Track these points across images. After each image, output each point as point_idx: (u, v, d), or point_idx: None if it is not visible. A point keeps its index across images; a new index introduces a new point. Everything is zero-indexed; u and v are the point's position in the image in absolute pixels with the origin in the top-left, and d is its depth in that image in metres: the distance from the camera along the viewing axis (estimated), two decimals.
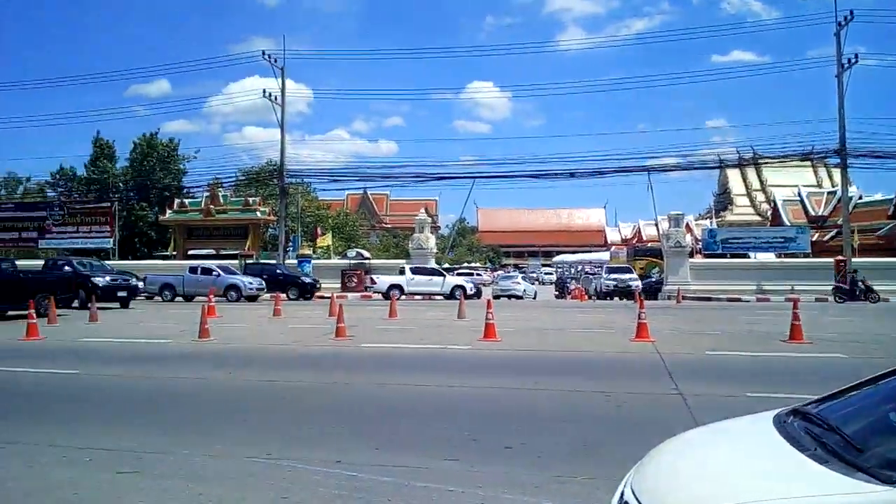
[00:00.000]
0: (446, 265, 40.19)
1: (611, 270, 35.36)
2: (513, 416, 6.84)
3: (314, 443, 5.85)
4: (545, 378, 8.95)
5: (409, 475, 4.82)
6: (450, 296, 29.97)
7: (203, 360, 10.98)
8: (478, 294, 32.21)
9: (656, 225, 49.21)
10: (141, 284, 29.25)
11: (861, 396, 3.09)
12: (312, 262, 36.61)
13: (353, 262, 38.47)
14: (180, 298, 28.68)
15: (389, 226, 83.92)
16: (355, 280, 35.45)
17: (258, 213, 42.73)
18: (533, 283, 44.38)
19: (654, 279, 36.10)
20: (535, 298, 34.72)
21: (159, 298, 28.94)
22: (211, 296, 21.71)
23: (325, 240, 47.75)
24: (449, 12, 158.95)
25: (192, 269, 29.64)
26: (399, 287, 30.63)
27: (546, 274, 71.63)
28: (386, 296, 28.90)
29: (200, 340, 13.30)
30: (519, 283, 36.47)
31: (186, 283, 28.81)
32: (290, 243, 43.84)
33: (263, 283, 29.29)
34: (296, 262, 35.89)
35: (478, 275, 48.80)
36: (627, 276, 33.77)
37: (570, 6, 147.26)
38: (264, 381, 9.06)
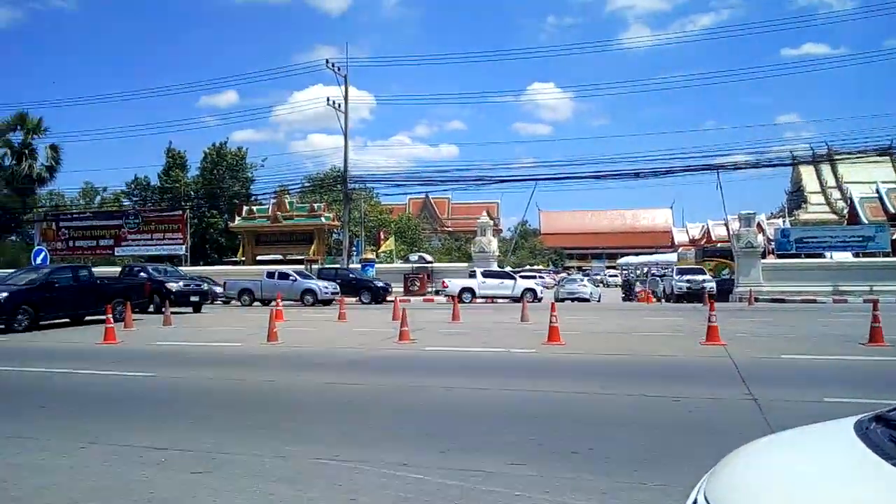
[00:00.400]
0: (508, 268, 40.01)
1: (682, 272, 33.80)
2: (579, 421, 6.76)
3: (381, 445, 5.91)
4: (611, 382, 8.81)
5: (475, 479, 4.81)
6: (520, 299, 29.78)
7: (271, 364, 11.25)
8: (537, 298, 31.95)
9: (726, 225, 47.84)
10: (220, 290, 30.27)
11: None
12: (375, 266, 37.10)
13: (415, 265, 38.78)
14: (258, 303, 29.46)
15: (451, 229, 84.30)
16: (418, 284, 35.74)
17: (323, 219, 43.53)
18: (597, 286, 43.79)
19: (725, 279, 35.06)
20: (599, 301, 34.28)
21: (238, 303, 29.81)
22: (279, 300, 22.27)
23: (388, 244, 48.31)
24: (509, 14, 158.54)
25: (270, 274, 30.28)
26: (471, 290, 30.74)
27: (611, 276, 70.51)
28: (458, 299, 29.00)
29: (269, 344, 13.63)
30: (585, 285, 36.12)
31: (264, 287, 29.52)
32: (354, 248, 44.51)
33: (338, 287, 29.73)
34: (359, 266, 36.43)
35: (540, 277, 48.37)
36: (701, 277, 32.34)
37: (633, 3, 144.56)
38: (329, 383, 9.21)
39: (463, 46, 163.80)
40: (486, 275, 31.85)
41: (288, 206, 44.23)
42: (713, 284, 31.22)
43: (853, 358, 10.66)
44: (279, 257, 42.85)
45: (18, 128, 47.08)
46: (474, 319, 19.61)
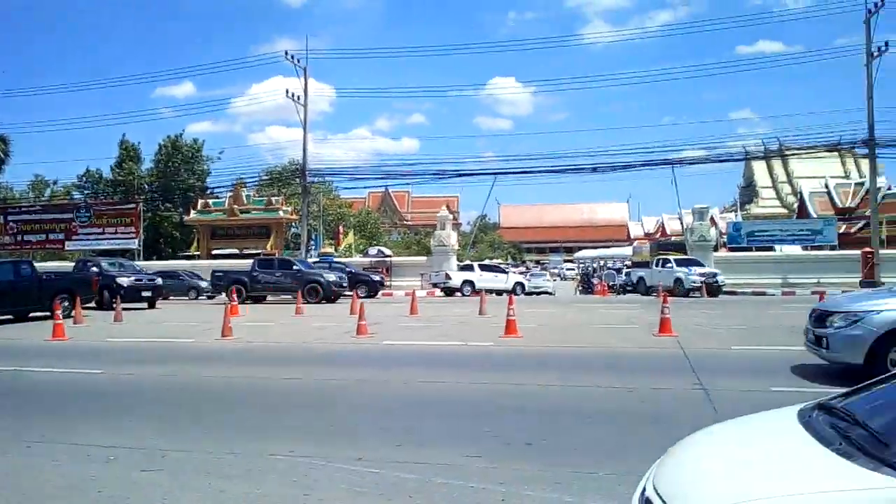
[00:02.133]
0: (467, 262, 40.25)
1: (680, 263, 29.27)
2: (535, 413, 6.83)
3: (336, 440, 5.88)
4: (567, 374, 8.92)
5: (430, 472, 4.82)
6: (511, 291, 30.36)
7: (224, 360, 11.10)
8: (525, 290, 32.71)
9: (680, 219, 48.80)
10: (205, 284, 29.44)
11: (888, 390, 3.04)
12: (335, 260, 36.86)
13: (374, 259, 38.63)
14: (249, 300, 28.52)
15: (411, 223, 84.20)
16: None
17: (280, 213, 43.04)
18: (554, 280, 44.38)
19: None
20: (553, 294, 34.88)
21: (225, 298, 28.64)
22: (234, 294, 21.91)
23: (348, 238, 48.03)
24: (470, 8, 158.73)
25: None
26: (471, 283, 31.54)
27: (568, 270, 71.32)
28: (461, 291, 31.02)
29: (223, 339, 13.43)
30: (548, 279, 36.99)
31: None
32: (312, 242, 44.11)
33: (346, 280, 28.10)
34: (317, 260, 36.15)
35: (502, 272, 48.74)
36: (701, 269, 28.65)
37: None
38: (285, 379, 9.12)
39: (424, 40, 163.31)
40: (483, 268, 34.19)
41: (245, 200, 43.63)
42: (719, 277, 28.62)
43: (800, 349, 10.94)
44: (235, 251, 42.25)
45: None
46: (432, 313, 19.62)
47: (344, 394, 8.13)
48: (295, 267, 26.80)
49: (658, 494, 2.61)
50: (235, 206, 42.73)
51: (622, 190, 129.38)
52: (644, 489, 2.80)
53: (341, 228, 51.92)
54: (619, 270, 41.84)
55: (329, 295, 25.66)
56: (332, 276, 26.76)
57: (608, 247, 77.11)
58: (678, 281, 27.64)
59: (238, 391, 8.46)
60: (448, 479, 4.66)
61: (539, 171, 37.04)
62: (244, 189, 43.88)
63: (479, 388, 8.24)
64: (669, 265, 28.86)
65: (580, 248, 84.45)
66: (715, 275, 28.20)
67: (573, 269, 68.30)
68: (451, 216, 39.94)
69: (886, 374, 3.21)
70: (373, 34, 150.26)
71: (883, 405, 2.88)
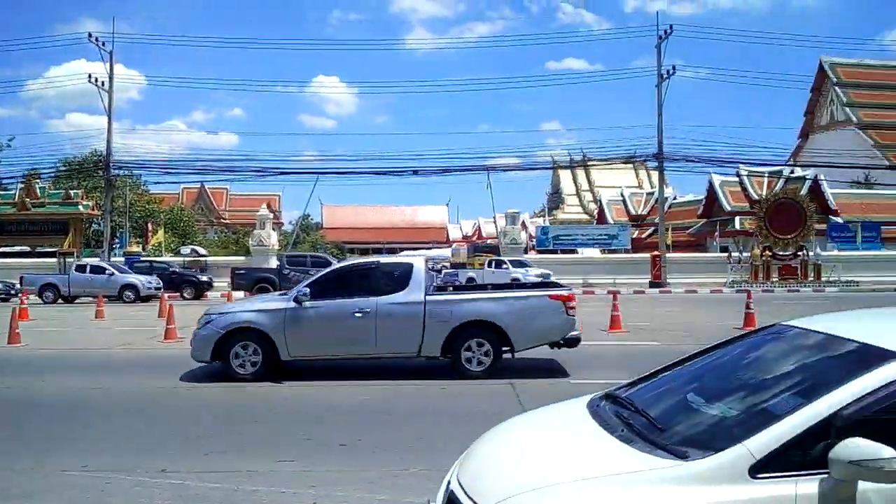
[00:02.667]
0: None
1: (515, 265, 31.32)
2: (350, 413, 6.87)
3: (138, 452, 5.53)
4: (384, 374, 9.03)
5: (239, 480, 4.70)
6: None
7: (10, 369, 9.98)
8: None
9: (494, 222, 51.11)
10: (18, 284, 26.15)
11: (665, 379, 3.40)
12: (157, 260, 34.40)
13: (187, 259, 36.59)
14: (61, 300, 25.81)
15: (229, 222, 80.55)
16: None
17: (80, 207, 39.49)
18: None
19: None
20: None
21: (39, 300, 25.48)
22: (24, 297, 19.77)
23: (158, 236, 45.06)
24: (294, 4, 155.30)
25: (80, 268, 26.76)
26: None
27: None
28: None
29: (10, 346, 12.08)
30: None
31: (73, 282, 26.00)
32: (117, 240, 40.98)
33: (160, 282, 26.89)
34: (122, 259, 33.55)
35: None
36: (536, 271, 30.54)
37: (416, 6, 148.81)
38: (80, 388, 8.40)
39: (245, 32, 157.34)
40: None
41: (39, 193, 39.55)
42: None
43: (597, 343, 11.98)
44: (27, 249, 38.10)
45: None
46: None
47: (147, 403, 7.65)
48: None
49: (461, 486, 2.76)
50: (28, 200, 38.62)
51: (442, 193, 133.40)
52: (448, 482, 2.94)
53: (150, 226, 48.56)
54: (438, 271, 42.95)
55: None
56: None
57: (429, 248, 79.01)
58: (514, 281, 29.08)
59: (24, 403, 7.65)
60: (257, 486, 4.57)
61: (362, 172, 37.25)
62: (38, 181, 39.71)
63: (296, 393, 8.12)
64: (505, 266, 30.33)
65: (402, 249, 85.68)
66: (548, 276, 30.02)
67: None
68: (271, 215, 38.85)
69: (662, 366, 3.59)
70: (191, 23, 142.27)
71: (659, 394, 3.24)
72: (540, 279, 28.66)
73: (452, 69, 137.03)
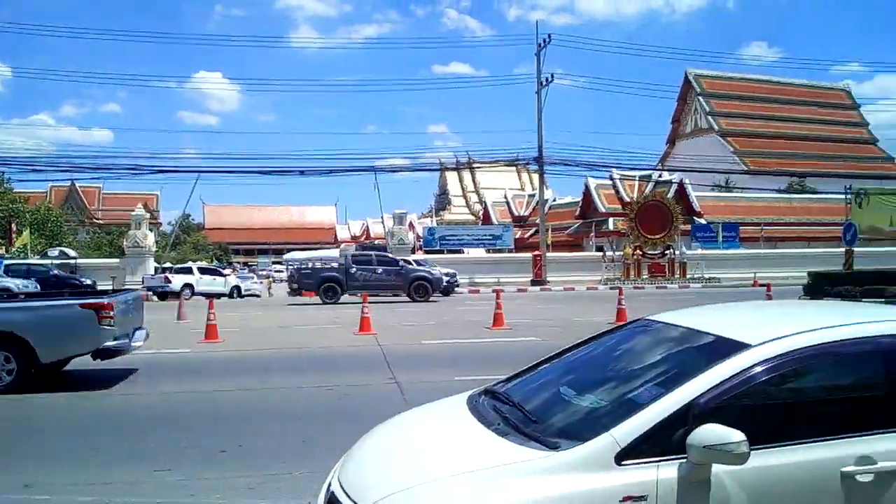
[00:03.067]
0: (168, 264, 37.62)
1: (420, 264, 30.71)
2: (233, 419, 6.68)
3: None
4: (268, 377, 8.86)
5: (112, 492, 4.48)
6: (230, 295, 29.96)
7: None
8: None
9: (382, 223, 51.05)
10: None
11: (541, 373, 3.55)
12: (5, 262, 31.73)
13: (56, 262, 34.14)
14: None
15: (102, 222, 75.76)
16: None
17: None
18: (261, 282, 43.58)
19: None
20: (260, 297, 34.38)
21: None
22: None
23: (23, 238, 41.74)
24: None
25: None
26: (191, 286, 29.53)
27: (277, 272, 70.35)
28: (176, 295, 27.27)
29: None
30: (257, 282, 36.31)
31: None
32: None
33: (38, 286, 24.46)
34: None
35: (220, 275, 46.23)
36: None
37: (302, 4, 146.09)
38: None
39: (122, 24, 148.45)
40: (203, 271, 32.13)
41: None
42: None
43: (480, 340, 12.27)
44: None
45: None
46: None
47: (14, 413, 7.09)
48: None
49: (342, 487, 2.76)
50: None
51: (331, 193, 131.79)
52: (329, 483, 2.94)
53: (13, 226, 44.88)
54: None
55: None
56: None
57: (317, 249, 77.78)
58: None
59: None
60: (131, 498, 4.38)
61: (246, 172, 36.22)
62: None
63: (175, 398, 7.80)
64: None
65: (289, 250, 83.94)
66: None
67: (282, 271, 67.53)
68: (147, 215, 36.97)
69: (539, 360, 3.73)
70: (62, 12, 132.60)
71: (534, 388, 3.37)
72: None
73: (340, 70, 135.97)
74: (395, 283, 25.07)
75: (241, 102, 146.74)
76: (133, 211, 36.30)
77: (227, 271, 39.22)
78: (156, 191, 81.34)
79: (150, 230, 37.23)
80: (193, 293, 29.10)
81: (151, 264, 33.37)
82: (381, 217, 49.06)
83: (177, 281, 30.08)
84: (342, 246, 63.15)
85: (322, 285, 24.44)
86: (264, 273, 65.08)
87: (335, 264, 27.73)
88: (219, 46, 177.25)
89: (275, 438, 5.88)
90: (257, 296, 34.17)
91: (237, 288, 32.55)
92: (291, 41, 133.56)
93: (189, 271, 31.79)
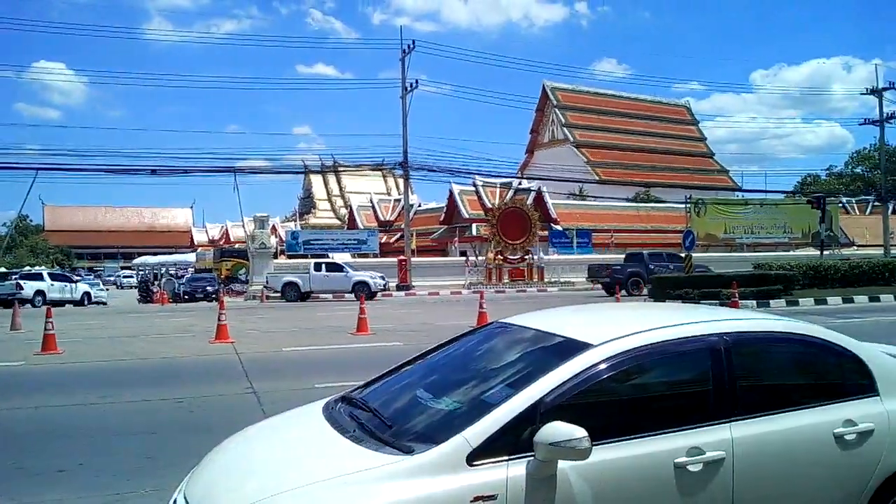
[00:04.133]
0: (2, 269, 34.36)
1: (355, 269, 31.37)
2: (72, 436, 6.18)
3: None
4: (114, 390, 8.27)
5: None
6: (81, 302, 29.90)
7: None
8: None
9: (243, 226, 49.33)
10: None
11: (399, 378, 3.56)
12: None
13: None
14: None
15: None
16: None
17: None
18: (108, 288, 40.91)
19: (243, 280, 36.32)
20: (106, 304, 32.26)
21: None
22: None
23: None
24: None
25: None
26: (43, 293, 28.51)
27: (126, 277, 66.15)
28: (32, 303, 27.23)
29: None
30: (103, 288, 34.56)
31: None
32: None
33: None
34: None
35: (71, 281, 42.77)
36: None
37: None
38: None
39: None
40: (54, 277, 31.18)
41: None
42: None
43: (343, 346, 12.14)
44: None
45: None
46: None
47: None
48: None
49: (187, 502, 2.63)
50: None
51: (186, 195, 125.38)
52: (175, 500, 2.79)
53: None
54: (179, 277, 40.46)
55: None
56: None
57: (170, 253, 73.76)
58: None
59: None
60: None
61: (92, 170, 33.49)
62: None
63: (8, 415, 7.09)
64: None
65: (140, 255, 79.09)
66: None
67: (131, 277, 63.56)
68: None
69: (396, 365, 3.75)
70: None
71: (392, 392, 3.38)
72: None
73: (197, 66, 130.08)
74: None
75: (87, 96, 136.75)
76: None
77: (75, 277, 36.76)
78: None
79: None
80: (45, 301, 27.16)
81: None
82: (242, 220, 47.39)
83: (28, 288, 28.27)
84: (199, 250, 60.47)
85: (629, 280, 27.61)
86: (111, 279, 61.09)
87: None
88: (61, 35, 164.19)
89: (120, 455, 5.51)
90: (104, 303, 32.27)
91: (87, 294, 31.32)
92: (144, 33, 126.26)
93: (40, 277, 29.93)
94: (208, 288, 32.11)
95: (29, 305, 26.22)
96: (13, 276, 29.78)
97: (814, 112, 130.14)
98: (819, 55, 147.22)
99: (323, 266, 29.31)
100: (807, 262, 24.15)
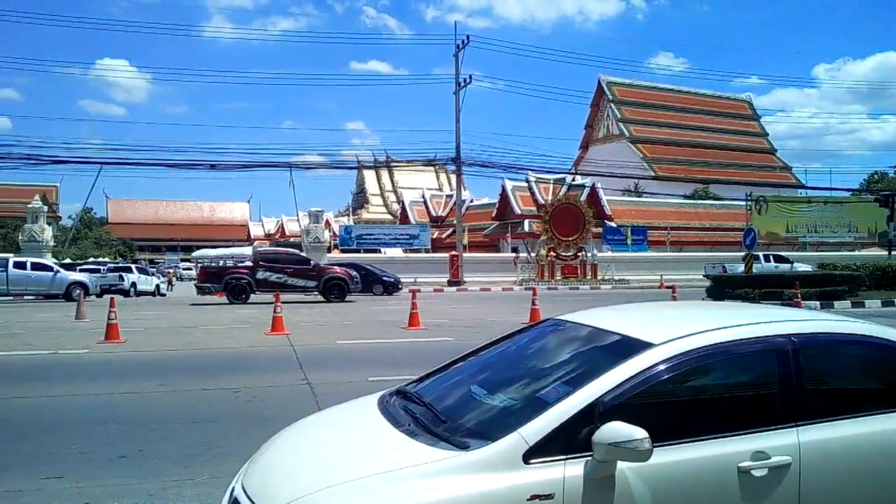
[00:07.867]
0: (68, 260, 35.74)
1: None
2: (132, 423, 6.36)
3: None
4: (173, 379, 8.49)
5: None
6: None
7: None
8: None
9: (298, 220, 50.17)
10: None
11: (453, 373, 3.53)
12: None
13: None
14: None
15: None
16: None
17: None
18: (163, 278, 42.30)
19: None
20: (165, 295, 33.44)
21: None
22: None
23: None
24: None
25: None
26: (135, 284, 30.91)
27: (185, 269, 67.97)
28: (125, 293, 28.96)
29: None
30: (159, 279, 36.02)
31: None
32: None
33: None
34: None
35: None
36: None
37: None
38: None
39: (16, 4, 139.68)
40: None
41: None
42: None
43: (395, 340, 12.20)
44: None
45: None
46: (12, 318, 16.96)
47: None
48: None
49: (245, 492, 2.66)
50: None
51: (244, 189, 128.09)
52: (233, 489, 2.82)
53: None
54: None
55: None
56: None
57: (228, 246, 75.54)
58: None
59: None
60: None
61: (154, 164, 34.70)
62: None
63: (69, 402, 7.36)
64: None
65: (199, 247, 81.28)
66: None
67: (190, 269, 65.33)
68: (45, 208, 35.04)
69: (450, 360, 3.72)
70: None
71: (446, 387, 3.35)
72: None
73: (255, 63, 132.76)
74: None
75: (150, 93, 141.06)
76: (29, 203, 34.28)
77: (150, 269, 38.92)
78: (56, 182, 77.09)
79: (49, 224, 35.32)
80: (136, 291, 30.50)
81: (50, 259, 31.63)
82: (297, 215, 48.17)
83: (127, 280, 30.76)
84: (255, 244, 61.73)
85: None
86: (171, 271, 62.83)
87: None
88: (125, 33, 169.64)
89: (177, 443, 5.64)
90: (163, 294, 33.74)
91: (158, 287, 34.18)
92: (204, 31, 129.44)
93: (129, 270, 32.56)
94: None
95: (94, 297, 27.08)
96: (102, 269, 31.65)
97: (880, 107, 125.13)
98: (885, 48, 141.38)
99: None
100: (874, 262, 23.22)
